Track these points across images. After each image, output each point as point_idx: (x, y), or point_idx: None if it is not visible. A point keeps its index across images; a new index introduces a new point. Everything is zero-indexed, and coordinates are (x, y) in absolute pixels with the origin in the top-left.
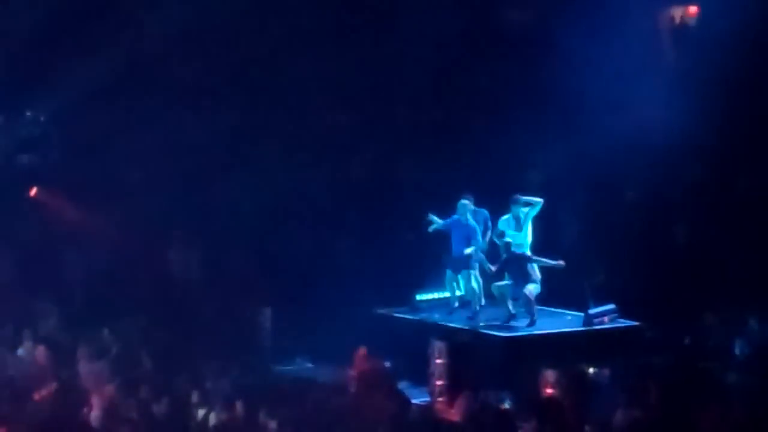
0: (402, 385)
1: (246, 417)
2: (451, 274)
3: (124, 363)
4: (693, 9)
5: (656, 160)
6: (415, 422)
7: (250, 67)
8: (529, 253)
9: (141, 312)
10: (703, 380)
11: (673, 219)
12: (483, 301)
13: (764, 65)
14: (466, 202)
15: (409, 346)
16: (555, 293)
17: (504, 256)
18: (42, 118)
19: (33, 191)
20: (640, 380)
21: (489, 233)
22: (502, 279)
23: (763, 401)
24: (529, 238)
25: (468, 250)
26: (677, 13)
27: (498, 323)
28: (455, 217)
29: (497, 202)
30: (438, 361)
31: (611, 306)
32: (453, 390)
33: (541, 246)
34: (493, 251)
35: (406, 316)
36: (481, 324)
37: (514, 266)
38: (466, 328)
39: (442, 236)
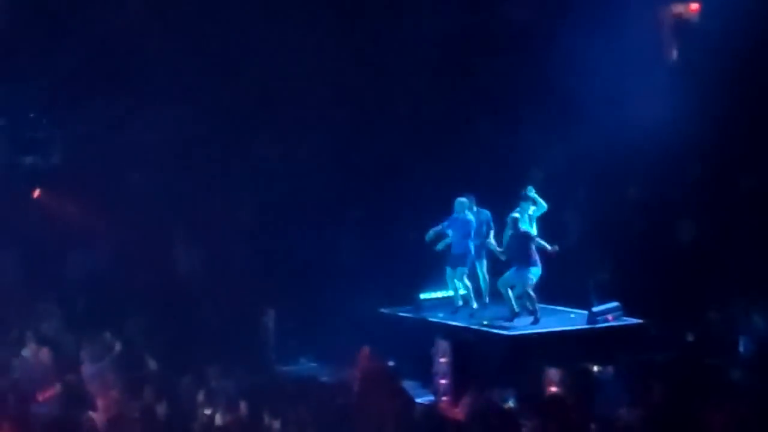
0: (406, 385)
1: (250, 417)
2: (452, 272)
3: (128, 364)
4: (695, 6)
5: (659, 157)
6: (420, 421)
7: (252, 64)
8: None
9: (144, 313)
10: (708, 377)
11: (676, 216)
12: (487, 299)
13: (766, 63)
14: (463, 199)
15: (413, 345)
16: (559, 291)
17: (510, 232)
18: (44, 120)
19: (36, 193)
20: (644, 378)
21: (492, 233)
22: (508, 257)
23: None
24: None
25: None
26: (679, 10)
27: (502, 321)
28: (453, 215)
29: (500, 200)
30: (442, 360)
31: (615, 304)
32: (457, 389)
33: None
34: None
35: (410, 315)
36: (485, 322)
37: (517, 243)
38: (470, 326)
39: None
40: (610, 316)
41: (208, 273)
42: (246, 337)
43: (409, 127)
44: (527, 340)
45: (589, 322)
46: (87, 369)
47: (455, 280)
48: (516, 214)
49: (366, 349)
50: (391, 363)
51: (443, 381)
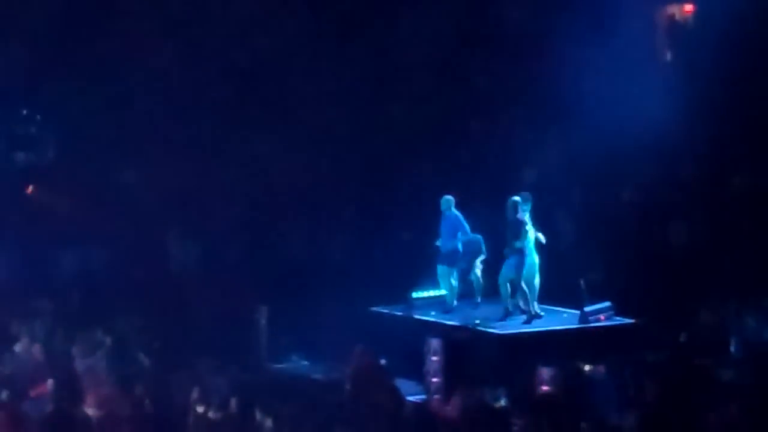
0: (398, 383)
1: (242, 414)
2: (443, 270)
3: (120, 360)
4: (689, 7)
5: (652, 158)
6: (411, 420)
7: (247, 63)
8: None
9: (136, 310)
10: (699, 377)
11: (668, 217)
12: (479, 299)
13: (760, 63)
14: (449, 197)
15: (404, 344)
16: (551, 291)
17: (508, 218)
18: (38, 116)
19: (29, 189)
20: (635, 378)
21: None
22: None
23: (759, 398)
24: None
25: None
26: (673, 11)
27: (494, 321)
28: (447, 214)
29: (492, 201)
30: (434, 358)
31: (607, 304)
32: (449, 387)
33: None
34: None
35: (402, 314)
36: (477, 321)
37: (512, 228)
38: (462, 325)
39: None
40: (601, 316)
41: (200, 270)
42: (238, 334)
43: (402, 127)
44: (519, 340)
45: (580, 321)
46: (79, 365)
47: (446, 278)
48: (517, 198)
49: (358, 348)
50: (383, 361)
51: (435, 379)
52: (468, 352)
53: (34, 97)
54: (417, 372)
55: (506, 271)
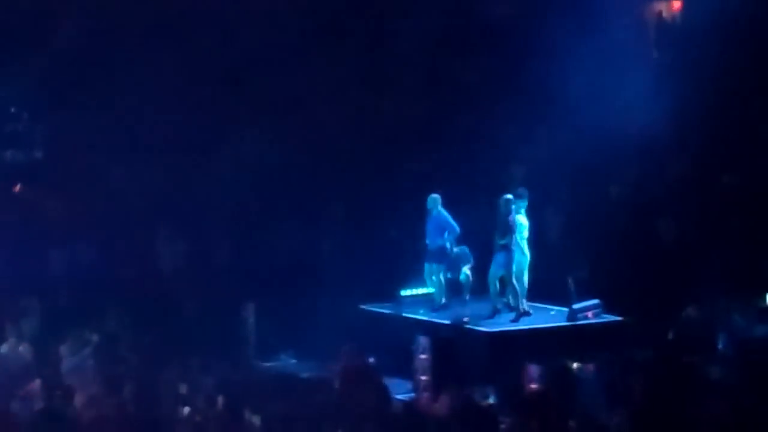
0: (386, 381)
1: (230, 413)
2: (430, 268)
3: (108, 359)
4: (677, 4)
5: (640, 155)
6: (399, 418)
7: (235, 61)
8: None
9: (125, 308)
10: (687, 375)
11: (656, 214)
12: (467, 297)
13: (748, 60)
14: (435, 196)
15: (393, 342)
16: (539, 288)
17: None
18: (25, 114)
19: (17, 187)
20: (624, 375)
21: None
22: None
23: (747, 395)
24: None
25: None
26: (661, 7)
27: (482, 318)
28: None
29: (482, 197)
30: (422, 356)
31: (595, 301)
32: (437, 385)
33: None
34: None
35: (391, 312)
36: (466, 319)
37: (500, 221)
38: (451, 323)
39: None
40: (590, 314)
41: (188, 268)
42: (226, 332)
43: (390, 125)
44: (507, 337)
45: (569, 319)
46: (67, 364)
47: (433, 276)
48: (509, 195)
49: (346, 346)
50: (371, 359)
51: (423, 377)
52: (456, 350)
53: (21, 95)
54: (406, 370)
55: (495, 268)
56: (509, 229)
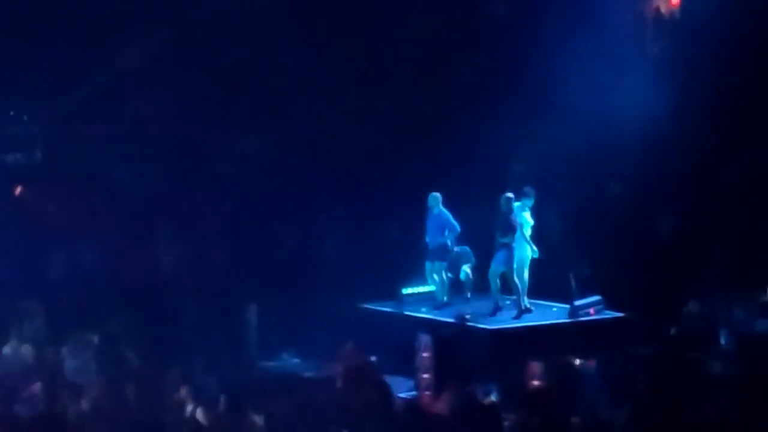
0: (388, 380)
1: (233, 413)
2: (431, 266)
3: (110, 361)
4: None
5: (640, 151)
6: (402, 416)
7: (234, 62)
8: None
9: (127, 309)
10: (689, 370)
11: (657, 210)
12: (469, 294)
13: (746, 56)
14: (436, 194)
15: (395, 340)
16: (541, 285)
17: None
18: (25, 117)
19: (17, 190)
20: (626, 371)
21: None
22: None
23: (749, 389)
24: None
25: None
26: (659, 3)
27: (484, 316)
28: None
29: (483, 195)
30: (424, 354)
31: (597, 297)
32: (439, 383)
33: None
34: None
35: (393, 310)
36: (467, 316)
37: (501, 219)
38: (453, 321)
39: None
40: (591, 310)
41: (190, 269)
42: (229, 332)
43: (390, 124)
44: (509, 335)
45: (570, 315)
46: (69, 365)
47: (434, 275)
48: (510, 194)
49: (348, 345)
50: (373, 358)
51: (425, 376)
52: (458, 347)
53: (21, 98)
54: (408, 368)
55: (495, 265)
56: (511, 228)
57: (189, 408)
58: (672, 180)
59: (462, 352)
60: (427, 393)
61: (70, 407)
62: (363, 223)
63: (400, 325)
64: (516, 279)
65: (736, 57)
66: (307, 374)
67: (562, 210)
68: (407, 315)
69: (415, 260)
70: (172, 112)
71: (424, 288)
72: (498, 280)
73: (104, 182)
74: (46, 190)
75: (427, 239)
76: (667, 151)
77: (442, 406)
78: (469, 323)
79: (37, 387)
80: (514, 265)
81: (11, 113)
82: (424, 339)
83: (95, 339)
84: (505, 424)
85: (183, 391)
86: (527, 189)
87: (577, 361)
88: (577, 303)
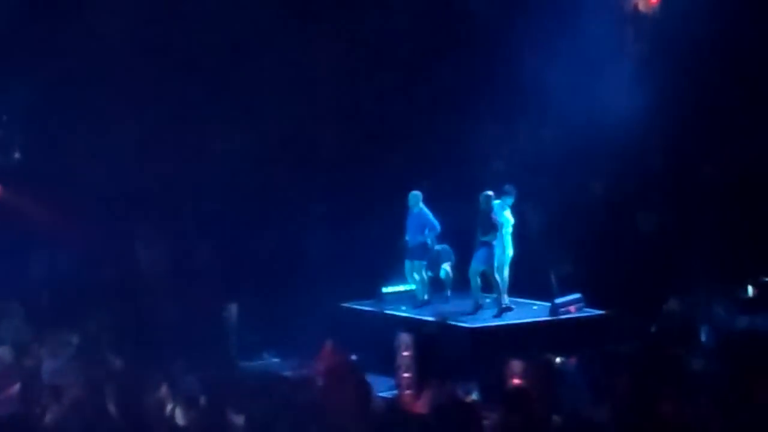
0: (369, 378)
1: (213, 413)
2: (411, 265)
3: (89, 361)
4: None
5: (620, 149)
6: (382, 415)
7: (214, 59)
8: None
9: (107, 310)
10: (670, 367)
11: (637, 207)
12: (449, 293)
13: (726, 54)
14: (416, 193)
15: (375, 339)
16: (521, 283)
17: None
18: (4, 117)
19: None
20: (607, 369)
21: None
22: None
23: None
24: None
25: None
26: (640, 2)
27: (464, 314)
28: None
29: (464, 193)
30: (405, 353)
31: (577, 295)
32: (420, 382)
33: None
34: None
35: (373, 309)
36: (448, 315)
37: (481, 218)
38: (433, 319)
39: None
40: (572, 308)
41: (171, 268)
42: (208, 332)
43: (371, 122)
44: (490, 333)
45: (551, 313)
46: (48, 366)
47: (414, 273)
48: (490, 192)
49: (329, 344)
50: (354, 357)
51: (406, 374)
52: (439, 346)
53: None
54: (388, 367)
55: (476, 264)
56: (492, 226)
57: (169, 408)
58: (652, 178)
59: (442, 350)
60: (407, 392)
61: (49, 408)
62: (343, 222)
63: (380, 323)
64: (496, 277)
65: (715, 55)
66: (288, 374)
67: (542, 208)
68: (387, 314)
69: (395, 259)
70: (152, 110)
71: (404, 287)
72: (478, 279)
73: (84, 182)
74: (25, 190)
75: (407, 238)
76: (647, 150)
77: (422, 405)
78: (449, 322)
79: (16, 388)
80: (495, 264)
81: None
82: (405, 338)
83: (75, 339)
84: (486, 422)
85: (163, 391)
86: (508, 187)
87: (558, 359)
88: (558, 301)
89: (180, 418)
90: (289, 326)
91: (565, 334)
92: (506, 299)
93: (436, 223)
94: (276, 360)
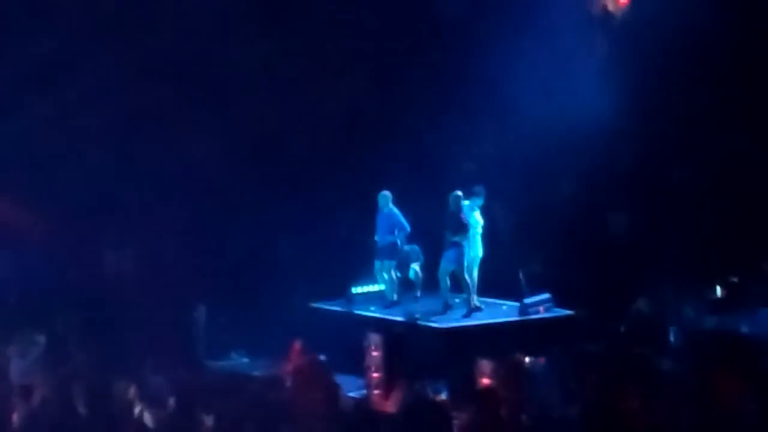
0: (338, 378)
1: (182, 413)
2: (381, 265)
3: (57, 361)
4: None
5: (589, 149)
6: (351, 415)
7: (180, 62)
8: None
9: (75, 309)
10: (639, 367)
11: (606, 208)
12: (418, 293)
13: (696, 55)
14: (386, 193)
15: (345, 339)
16: (491, 283)
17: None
18: None
19: None
20: (576, 369)
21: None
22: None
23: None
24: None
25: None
26: (608, 2)
27: (434, 314)
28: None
29: (433, 193)
30: (374, 353)
31: (546, 295)
32: (389, 382)
33: None
34: None
35: (342, 309)
36: (417, 315)
37: (451, 219)
38: (402, 319)
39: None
40: (541, 308)
41: (139, 268)
42: (177, 332)
43: (340, 123)
44: (459, 333)
45: (520, 313)
46: (16, 366)
47: (384, 273)
48: (459, 192)
49: (298, 344)
50: (323, 357)
51: (375, 374)
52: (408, 346)
53: None
54: (358, 367)
55: (445, 264)
56: (461, 226)
57: (137, 409)
58: (621, 179)
59: (412, 350)
60: (376, 392)
61: (17, 407)
62: (312, 222)
63: (349, 324)
64: (466, 277)
65: (685, 55)
66: (257, 374)
67: (511, 208)
68: (357, 314)
69: (364, 259)
70: (120, 111)
71: (374, 287)
72: (448, 279)
73: (51, 182)
74: None
75: (377, 238)
76: (616, 151)
77: (391, 405)
78: (419, 322)
79: None
80: (465, 264)
81: None
82: (374, 338)
83: (42, 339)
84: (455, 422)
85: (131, 392)
86: (477, 188)
87: (527, 359)
88: (527, 301)
89: (149, 419)
90: (258, 326)
91: (534, 334)
92: (476, 299)
93: (405, 223)
94: (245, 360)
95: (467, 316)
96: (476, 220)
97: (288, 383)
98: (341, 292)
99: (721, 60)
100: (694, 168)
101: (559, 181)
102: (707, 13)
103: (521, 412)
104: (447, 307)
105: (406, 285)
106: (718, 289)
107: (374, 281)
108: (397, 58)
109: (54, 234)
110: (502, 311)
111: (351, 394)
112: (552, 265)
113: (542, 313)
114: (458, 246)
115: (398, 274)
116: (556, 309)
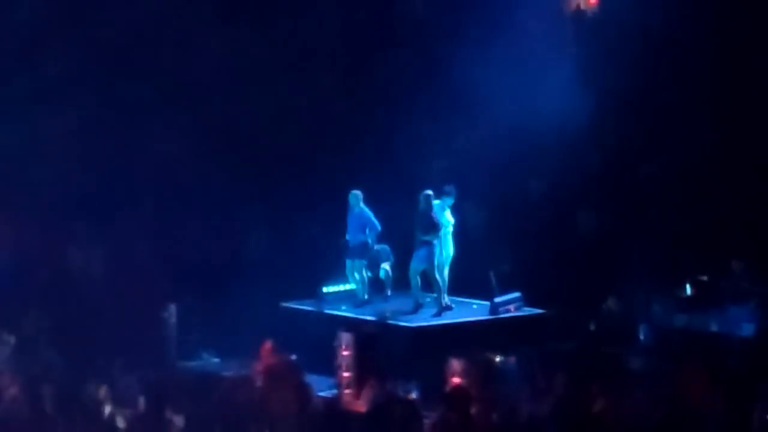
0: (309, 378)
1: (152, 413)
2: (352, 264)
3: (27, 361)
4: None
5: (559, 148)
6: (322, 414)
7: (153, 59)
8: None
9: (43, 309)
10: (608, 365)
11: (576, 207)
12: (389, 292)
13: (665, 54)
14: (357, 192)
15: (315, 339)
16: (461, 282)
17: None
18: None
19: None
20: (546, 368)
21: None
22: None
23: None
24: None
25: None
26: (579, 1)
27: (405, 313)
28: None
29: (403, 193)
30: (345, 352)
31: (516, 294)
32: (360, 381)
33: None
34: None
35: (313, 309)
36: (388, 314)
37: (421, 218)
38: (373, 319)
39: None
40: (511, 307)
41: (109, 268)
42: (147, 332)
43: (309, 122)
44: (430, 332)
45: (491, 312)
46: None
47: (355, 273)
48: (429, 191)
49: (268, 343)
50: (293, 357)
51: (346, 374)
52: (379, 345)
53: None
54: (328, 367)
55: (416, 263)
56: (432, 225)
57: (108, 408)
58: (590, 178)
59: (382, 349)
60: (347, 391)
61: None
62: (283, 221)
63: (320, 323)
64: (437, 276)
65: (654, 55)
66: (227, 374)
67: (482, 207)
68: (327, 313)
69: (335, 258)
70: (89, 110)
71: (345, 286)
72: (418, 278)
73: (21, 180)
74: None
75: (348, 237)
76: (585, 149)
77: (362, 404)
78: (389, 321)
79: None
80: (435, 263)
81: None
82: (345, 337)
83: (12, 339)
84: (426, 421)
85: (102, 392)
86: (448, 188)
87: (498, 358)
88: (498, 300)
89: (119, 419)
90: (229, 326)
91: (504, 333)
92: (446, 298)
93: (376, 222)
94: (215, 360)
95: (438, 315)
96: (447, 219)
97: (259, 383)
98: (312, 291)
99: (690, 60)
100: (663, 167)
101: (530, 181)
102: (675, 14)
103: (492, 410)
104: (418, 307)
105: (376, 284)
106: (688, 288)
107: (345, 280)
108: (367, 58)
109: (23, 234)
110: (472, 310)
111: (322, 394)
112: (522, 264)
113: (513, 312)
114: (429, 245)
115: (369, 274)
116: (526, 308)
